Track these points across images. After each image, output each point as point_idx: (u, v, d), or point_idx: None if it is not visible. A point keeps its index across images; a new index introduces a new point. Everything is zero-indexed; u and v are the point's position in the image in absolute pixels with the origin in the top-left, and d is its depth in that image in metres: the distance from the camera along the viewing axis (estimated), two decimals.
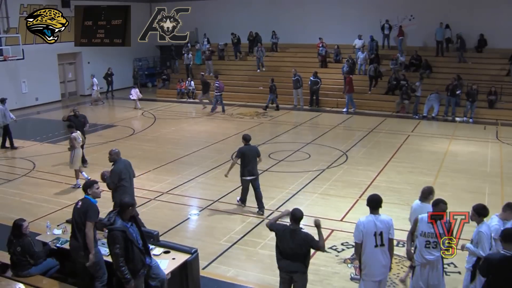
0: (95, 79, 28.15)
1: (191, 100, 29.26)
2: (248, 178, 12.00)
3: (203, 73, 28.32)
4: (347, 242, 10.41)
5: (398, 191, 13.53)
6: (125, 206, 6.99)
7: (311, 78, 25.73)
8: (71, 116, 15.92)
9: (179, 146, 18.84)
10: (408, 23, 28.34)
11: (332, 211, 12.15)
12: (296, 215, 7.14)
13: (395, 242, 10.15)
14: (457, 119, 22.97)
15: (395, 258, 9.64)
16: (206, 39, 32.30)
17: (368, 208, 7.34)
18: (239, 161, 12.09)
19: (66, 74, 31.38)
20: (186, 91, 29.79)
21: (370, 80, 26.48)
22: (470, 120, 22.60)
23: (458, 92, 23.13)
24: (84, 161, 15.53)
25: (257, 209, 12.09)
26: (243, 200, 12.43)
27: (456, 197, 12.89)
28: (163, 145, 19.00)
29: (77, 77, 32.08)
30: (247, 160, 11.91)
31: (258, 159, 12.11)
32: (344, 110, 25.28)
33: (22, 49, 25.90)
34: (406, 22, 28.26)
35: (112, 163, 10.40)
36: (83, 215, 7.47)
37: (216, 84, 24.81)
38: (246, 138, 12.15)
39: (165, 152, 18.00)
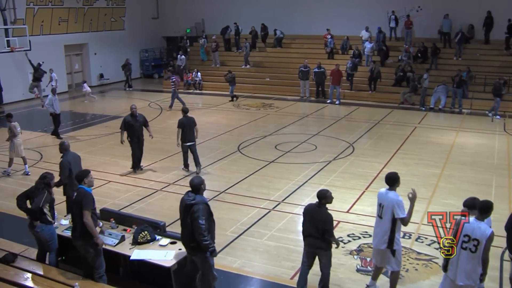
0: (54, 74, 26.05)
1: (198, 91, 29.27)
2: (187, 144, 14.17)
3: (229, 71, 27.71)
4: (353, 234, 10.42)
5: (404, 183, 13.34)
6: (198, 186, 7.30)
7: (315, 69, 25.65)
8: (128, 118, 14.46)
9: None
10: (416, 14, 28.18)
11: (339, 202, 12.12)
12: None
13: (400, 234, 10.21)
14: (464, 111, 22.87)
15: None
16: (204, 35, 32.32)
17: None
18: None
19: (72, 65, 31.45)
20: (192, 82, 29.80)
21: (369, 80, 25.91)
22: (497, 117, 21.63)
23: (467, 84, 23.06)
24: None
25: (196, 169, 14.35)
26: (185, 165, 14.58)
27: (462, 189, 12.88)
28: (169, 136, 18.97)
29: (83, 68, 32.14)
30: (186, 128, 14.06)
31: (195, 128, 14.29)
32: (337, 102, 25.26)
33: (29, 40, 25.96)
34: (413, 13, 28.09)
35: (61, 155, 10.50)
36: (78, 205, 7.53)
37: (173, 79, 24.19)
38: (185, 111, 14.55)
39: (171, 143, 17.92)
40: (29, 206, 8.31)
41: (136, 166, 14.80)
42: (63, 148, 10.42)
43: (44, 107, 20.05)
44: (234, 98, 26.16)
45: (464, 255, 6.66)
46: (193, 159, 14.42)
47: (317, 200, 7.76)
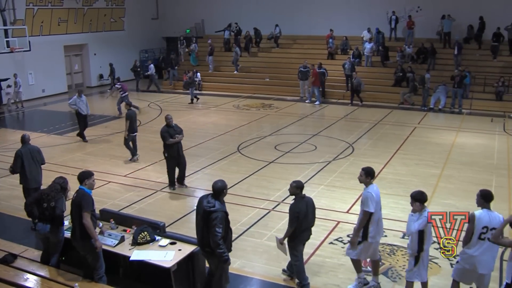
0: (19, 79, 24.87)
1: (197, 91, 29.25)
2: (133, 134, 15.66)
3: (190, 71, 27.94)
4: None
5: (404, 183, 13.50)
6: (220, 190, 7.23)
7: (316, 69, 25.64)
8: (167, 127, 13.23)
9: (185, 138, 18.52)
10: (416, 14, 28.18)
11: (338, 202, 12.15)
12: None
13: (400, 234, 10.24)
14: (464, 111, 22.89)
15: (401, 250, 9.65)
16: (195, 40, 32.30)
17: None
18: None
19: (72, 66, 31.46)
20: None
21: (351, 93, 24.84)
22: None
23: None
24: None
25: (134, 157, 15.81)
26: (133, 153, 15.90)
27: (462, 189, 12.89)
28: None
29: (83, 69, 32.15)
30: (133, 121, 15.53)
31: (137, 120, 16.21)
32: (317, 103, 25.31)
33: (29, 41, 25.99)
34: (413, 14, 28.08)
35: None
36: (77, 206, 7.53)
37: (118, 86, 23.51)
38: (129, 104, 16.15)
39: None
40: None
41: (173, 183, 13.33)
42: (22, 140, 10.99)
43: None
44: (195, 100, 25.79)
45: (483, 245, 6.96)
46: (133, 146, 15.94)
47: (304, 193, 8.24)
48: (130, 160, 15.87)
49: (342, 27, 28.89)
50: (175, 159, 13.01)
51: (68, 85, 30.70)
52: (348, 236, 10.30)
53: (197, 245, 7.74)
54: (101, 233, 8.12)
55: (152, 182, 13.92)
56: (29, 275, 7.78)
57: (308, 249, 9.48)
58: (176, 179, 13.33)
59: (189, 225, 11.23)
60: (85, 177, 7.76)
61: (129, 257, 7.74)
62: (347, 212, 11.64)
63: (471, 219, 6.94)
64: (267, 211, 11.75)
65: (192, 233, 9.66)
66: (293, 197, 8.22)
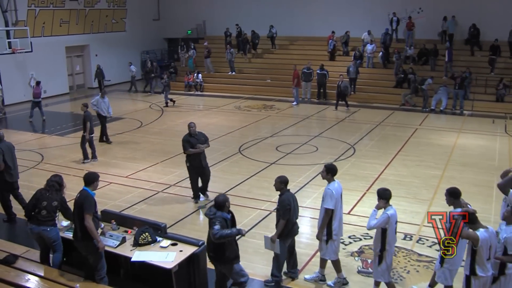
0: None
1: (199, 92, 29.30)
2: (92, 135, 15.79)
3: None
4: (354, 235, 10.42)
5: (405, 185, 13.50)
6: (222, 204, 7.46)
7: (318, 71, 25.68)
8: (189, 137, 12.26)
9: None
10: (417, 15, 28.17)
11: None
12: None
13: (401, 236, 10.23)
14: (465, 112, 22.88)
15: (402, 252, 9.65)
16: (193, 46, 32.24)
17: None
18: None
19: (74, 67, 31.49)
20: (193, 83, 29.80)
21: (336, 96, 24.12)
22: None
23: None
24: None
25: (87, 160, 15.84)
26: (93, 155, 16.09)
27: (463, 191, 12.62)
28: (170, 137, 19.01)
29: (85, 70, 32.17)
30: (92, 122, 15.60)
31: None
32: (294, 103, 25.48)
33: (31, 42, 26.01)
34: (414, 15, 28.08)
35: None
36: (79, 207, 7.55)
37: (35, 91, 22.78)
38: (86, 106, 15.73)
39: (172, 144, 17.98)
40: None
41: (197, 196, 12.62)
42: None
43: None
44: (170, 103, 25.50)
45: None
46: (92, 148, 16.07)
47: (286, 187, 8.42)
48: (84, 162, 15.75)
49: (343, 29, 28.84)
50: (197, 169, 12.22)
51: (70, 86, 30.74)
52: (349, 237, 10.31)
53: (197, 246, 7.91)
54: (103, 234, 8.12)
55: (153, 183, 13.92)
56: (30, 276, 7.79)
57: (309, 249, 9.50)
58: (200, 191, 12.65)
59: (190, 226, 11.27)
60: (92, 179, 7.81)
61: (131, 258, 7.74)
62: (349, 213, 11.64)
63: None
64: (269, 212, 11.75)
65: (193, 234, 9.70)
66: (279, 192, 8.43)
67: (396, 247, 9.84)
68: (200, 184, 12.52)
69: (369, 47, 27.41)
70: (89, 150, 15.98)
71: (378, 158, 15.92)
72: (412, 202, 12.19)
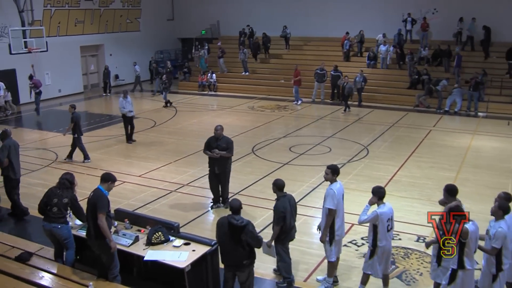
0: (2, 84, 23.86)
1: (212, 92, 29.35)
2: (82, 136, 15.82)
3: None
4: (367, 237, 10.36)
5: (419, 186, 13.43)
6: (240, 207, 7.54)
7: (332, 72, 25.61)
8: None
9: (200, 139, 18.80)
10: (431, 16, 27.99)
11: (353, 205, 12.04)
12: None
13: (414, 238, 10.18)
14: (480, 114, 22.69)
15: (415, 254, 9.61)
16: (206, 45, 32.29)
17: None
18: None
19: (88, 66, 31.70)
20: (207, 83, 29.87)
21: (342, 98, 24.39)
22: None
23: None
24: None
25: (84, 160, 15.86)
26: (85, 156, 15.99)
27: (477, 193, 12.78)
28: (184, 137, 19.09)
29: (99, 69, 32.32)
30: (80, 124, 15.69)
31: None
32: (296, 102, 25.60)
33: (46, 41, 26.19)
34: (429, 16, 27.90)
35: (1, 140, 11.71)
36: (93, 206, 7.60)
37: (30, 84, 23.42)
38: (74, 106, 15.87)
39: (186, 144, 18.09)
40: None
41: (215, 201, 12.30)
42: (5, 135, 11.63)
43: None
44: (168, 104, 25.44)
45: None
46: (73, 150, 16.01)
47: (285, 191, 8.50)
48: (84, 162, 15.89)
49: (357, 29, 28.73)
50: (212, 174, 11.97)
51: (84, 86, 30.96)
52: (362, 238, 10.28)
53: (210, 246, 7.94)
54: (116, 232, 8.16)
55: (166, 182, 13.98)
56: (44, 273, 7.85)
57: (321, 251, 9.45)
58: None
59: (203, 226, 11.30)
60: (109, 179, 7.88)
61: (143, 257, 7.77)
62: None
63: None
64: None
65: (206, 233, 9.73)
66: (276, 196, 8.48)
67: (409, 248, 9.82)
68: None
69: (382, 48, 27.27)
70: (77, 151, 16.03)
71: (391, 160, 15.85)
72: (426, 204, 12.11)
